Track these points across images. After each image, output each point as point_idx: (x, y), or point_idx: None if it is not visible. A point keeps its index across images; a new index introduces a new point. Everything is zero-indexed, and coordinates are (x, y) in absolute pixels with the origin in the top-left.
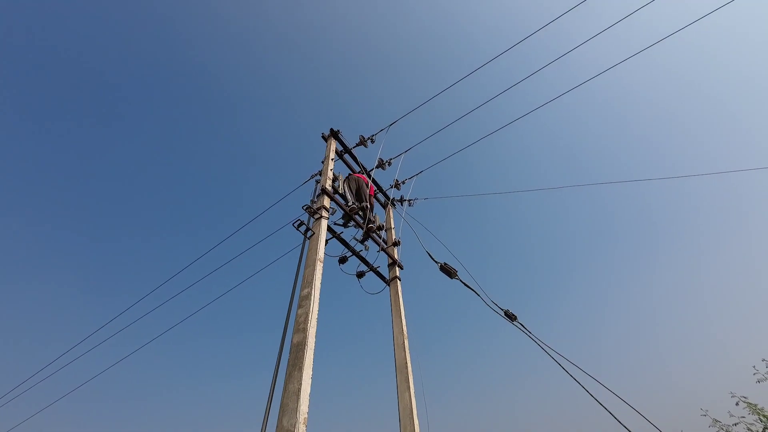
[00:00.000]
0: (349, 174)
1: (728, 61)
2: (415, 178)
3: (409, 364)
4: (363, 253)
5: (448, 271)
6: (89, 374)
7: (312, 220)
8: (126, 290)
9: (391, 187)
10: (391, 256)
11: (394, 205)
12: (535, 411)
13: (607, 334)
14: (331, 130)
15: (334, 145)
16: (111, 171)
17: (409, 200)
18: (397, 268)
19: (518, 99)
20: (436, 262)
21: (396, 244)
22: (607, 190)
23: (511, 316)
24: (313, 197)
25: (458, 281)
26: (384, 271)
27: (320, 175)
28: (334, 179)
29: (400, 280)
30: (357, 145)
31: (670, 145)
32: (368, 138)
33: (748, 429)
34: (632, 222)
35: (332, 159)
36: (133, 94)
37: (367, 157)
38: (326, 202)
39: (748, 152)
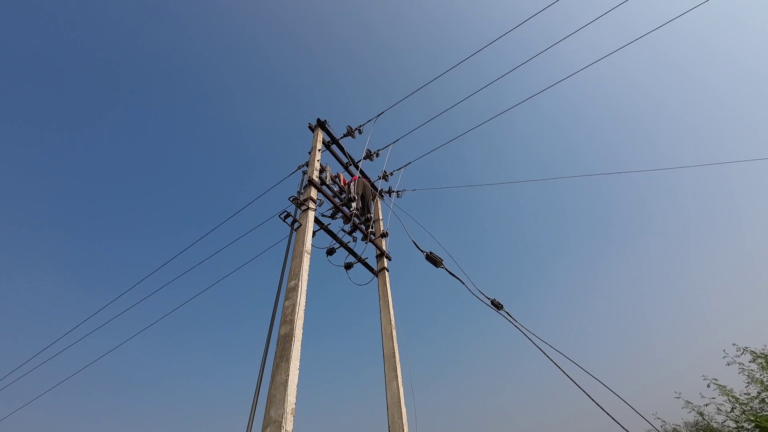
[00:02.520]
0: (359, 178)
1: (727, 51)
2: (403, 169)
3: (397, 354)
4: (351, 245)
5: (433, 260)
6: (79, 365)
7: (299, 211)
8: (112, 285)
9: (379, 179)
10: (379, 248)
11: (382, 196)
12: (520, 397)
13: (592, 324)
14: (318, 120)
15: (321, 135)
16: (96, 168)
17: (397, 191)
18: (385, 259)
19: (511, 88)
20: (422, 251)
21: (384, 235)
22: (600, 178)
23: (497, 305)
24: (300, 188)
25: (444, 270)
26: (372, 262)
27: (307, 166)
28: (321, 170)
29: (388, 271)
30: (344, 135)
31: (665, 134)
32: (356, 129)
33: (718, 409)
34: (621, 212)
35: (319, 150)
36: (114, 91)
37: (355, 148)
38: (313, 193)
39: (740, 144)
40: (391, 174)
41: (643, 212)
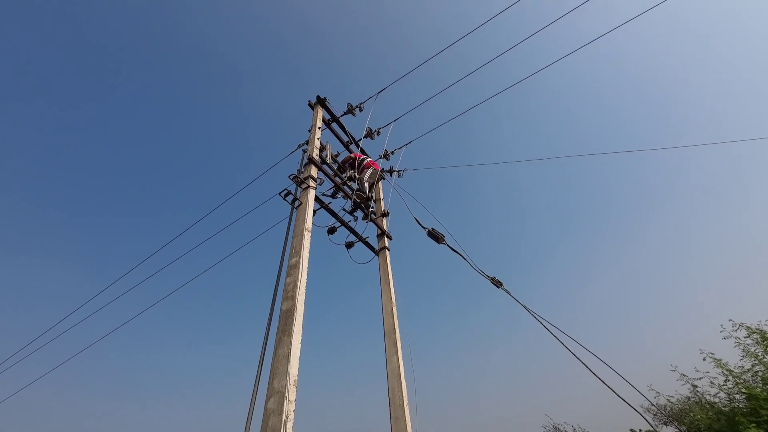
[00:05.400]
0: (369, 161)
1: (749, 22)
2: (404, 148)
3: (397, 330)
4: (352, 224)
5: (435, 236)
6: (90, 339)
7: (299, 190)
8: (121, 264)
9: (380, 158)
10: (380, 227)
11: (383, 175)
12: (516, 370)
13: (589, 298)
14: (318, 97)
15: (321, 113)
16: (100, 149)
17: (398, 171)
18: (386, 239)
19: (518, 63)
20: (423, 227)
21: (385, 215)
22: (606, 157)
23: (497, 283)
24: (300, 167)
25: (446, 247)
26: (373, 241)
27: (307, 144)
28: (322, 149)
29: (388, 250)
30: (345, 113)
31: (674, 110)
32: (356, 106)
33: (711, 382)
34: (625, 190)
35: (319, 128)
36: (117, 71)
37: (356, 126)
38: (313, 171)
39: (748, 121)
40: (392, 153)
41: (649, 188)
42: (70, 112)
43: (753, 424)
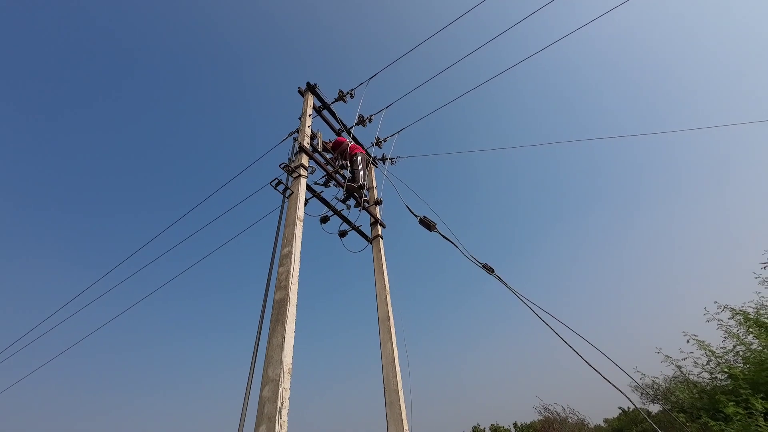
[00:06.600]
0: (353, 145)
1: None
2: (396, 135)
3: (391, 317)
4: (345, 212)
5: (427, 224)
6: (78, 335)
7: (290, 179)
8: (112, 258)
9: (372, 146)
10: (373, 215)
11: (375, 163)
12: (508, 354)
13: (577, 283)
14: (308, 84)
15: (311, 100)
16: (90, 146)
17: (390, 158)
18: (379, 227)
19: (511, 47)
20: (415, 215)
21: (378, 203)
22: (598, 142)
23: (489, 269)
24: (291, 155)
25: (438, 234)
26: (366, 229)
27: (298, 132)
28: (313, 137)
29: (382, 238)
30: (336, 100)
31: (664, 95)
32: (348, 92)
33: (695, 362)
34: (617, 173)
35: (310, 115)
36: (103, 71)
37: (348, 113)
38: (305, 160)
39: (742, 106)
40: (385, 140)
41: (637, 172)
42: (65, 111)
43: (732, 402)
